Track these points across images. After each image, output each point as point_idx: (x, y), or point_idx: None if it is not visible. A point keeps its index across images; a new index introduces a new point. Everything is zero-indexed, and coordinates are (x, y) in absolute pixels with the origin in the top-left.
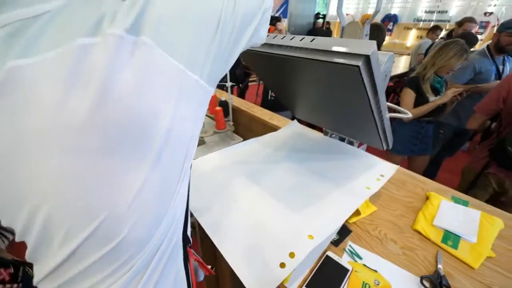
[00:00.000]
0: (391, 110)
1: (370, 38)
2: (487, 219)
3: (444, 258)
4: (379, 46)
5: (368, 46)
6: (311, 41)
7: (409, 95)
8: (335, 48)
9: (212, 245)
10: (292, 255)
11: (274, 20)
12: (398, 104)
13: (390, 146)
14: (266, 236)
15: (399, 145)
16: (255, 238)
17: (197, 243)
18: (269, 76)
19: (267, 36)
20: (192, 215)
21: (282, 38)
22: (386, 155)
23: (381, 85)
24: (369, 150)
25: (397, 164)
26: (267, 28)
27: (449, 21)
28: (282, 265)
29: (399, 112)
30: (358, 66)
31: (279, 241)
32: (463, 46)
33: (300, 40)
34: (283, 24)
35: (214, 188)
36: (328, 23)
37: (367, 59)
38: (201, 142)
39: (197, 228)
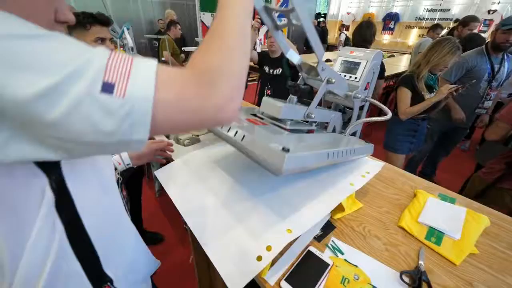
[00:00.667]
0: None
1: (361, 37)
2: (473, 216)
3: (427, 255)
4: (370, 42)
5: (281, 159)
6: (241, 140)
7: (405, 94)
8: (257, 154)
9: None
10: (269, 248)
11: None
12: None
13: (371, 152)
14: (245, 231)
15: (397, 144)
16: (234, 233)
17: (190, 240)
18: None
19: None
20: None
21: (226, 132)
22: (385, 156)
23: (319, 161)
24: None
25: (398, 164)
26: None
27: (451, 19)
28: (259, 258)
29: (383, 112)
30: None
31: (257, 235)
32: (455, 43)
33: (234, 136)
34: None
35: (196, 185)
36: (324, 22)
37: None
38: (196, 140)
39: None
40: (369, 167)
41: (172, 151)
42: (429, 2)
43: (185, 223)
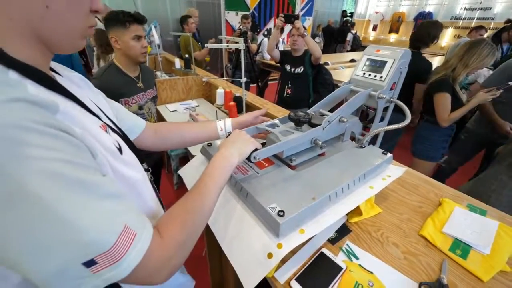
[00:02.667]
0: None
1: (429, 36)
2: (506, 230)
3: (450, 268)
4: (425, 43)
5: (276, 225)
6: (245, 197)
7: (447, 99)
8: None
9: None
10: (279, 246)
11: (292, 18)
12: (431, 108)
13: (390, 162)
14: (258, 227)
15: (432, 152)
16: (248, 229)
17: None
18: None
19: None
20: None
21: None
22: (408, 160)
23: (321, 207)
24: (396, 158)
25: (428, 172)
26: None
27: (493, 19)
28: (270, 255)
29: (404, 114)
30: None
31: (269, 233)
32: (493, 44)
33: (240, 191)
34: (300, 22)
35: None
36: (348, 21)
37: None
38: None
39: None
40: (390, 170)
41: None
42: (467, 0)
43: None
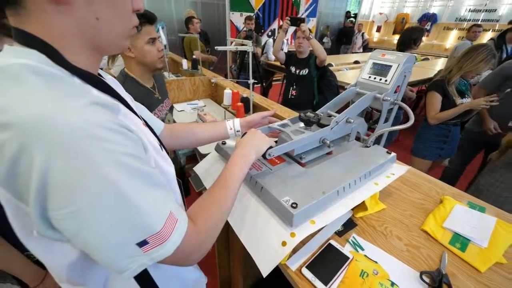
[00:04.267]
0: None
1: (412, 42)
2: (504, 226)
3: (450, 259)
4: (407, 46)
5: (290, 217)
6: (260, 191)
7: (435, 98)
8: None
9: (225, 228)
10: (293, 235)
11: (298, 21)
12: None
13: (394, 162)
14: (272, 218)
15: (426, 150)
16: (263, 221)
17: None
18: None
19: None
20: None
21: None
22: (410, 160)
23: (330, 202)
24: (398, 158)
25: (423, 169)
26: None
27: (498, 21)
28: (284, 243)
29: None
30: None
31: (282, 223)
32: (492, 50)
33: (255, 185)
34: (306, 25)
35: None
36: (352, 22)
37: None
38: None
39: None
40: (394, 169)
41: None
42: (472, 2)
43: None
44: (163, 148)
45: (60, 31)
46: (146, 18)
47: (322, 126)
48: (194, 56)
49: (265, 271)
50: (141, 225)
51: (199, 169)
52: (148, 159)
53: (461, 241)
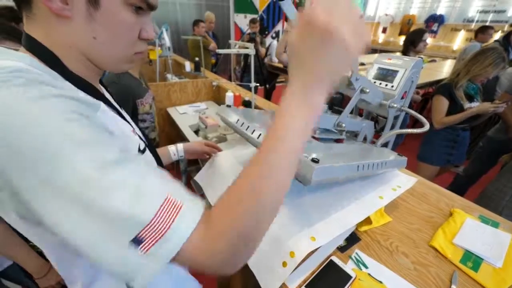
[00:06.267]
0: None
1: (410, 44)
2: None
3: (461, 280)
4: (407, 48)
5: (310, 169)
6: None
7: (441, 102)
8: None
9: None
10: (292, 254)
11: None
12: None
13: (404, 166)
14: (271, 236)
15: (433, 155)
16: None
17: None
18: None
19: (238, 121)
20: None
21: (251, 133)
22: (415, 165)
23: (348, 173)
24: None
25: (430, 176)
26: None
27: (507, 22)
28: (284, 264)
29: (420, 125)
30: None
31: (282, 241)
32: (501, 54)
33: (257, 138)
34: None
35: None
36: None
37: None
38: (223, 139)
39: None
40: (401, 181)
41: (220, 150)
42: (480, 3)
43: None
44: (153, 155)
45: (59, 40)
46: None
47: (338, 112)
48: (196, 59)
49: None
50: (120, 216)
51: (200, 177)
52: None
53: (473, 259)
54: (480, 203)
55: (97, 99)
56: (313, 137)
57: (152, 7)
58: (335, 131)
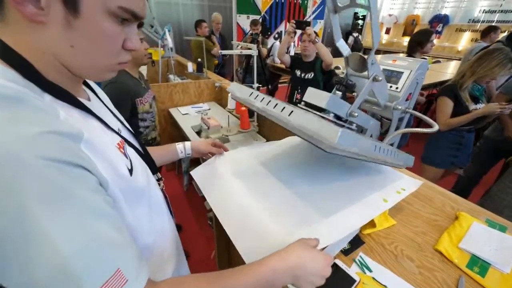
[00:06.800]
0: (421, 124)
1: (418, 45)
2: None
3: (468, 285)
4: (413, 49)
5: (335, 133)
6: (288, 115)
7: (446, 103)
8: (305, 129)
9: (226, 239)
10: None
11: (304, 25)
12: None
13: (411, 165)
14: (271, 238)
15: (438, 157)
16: (263, 238)
17: (214, 236)
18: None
19: (252, 94)
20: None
21: (266, 104)
22: (419, 167)
23: (368, 149)
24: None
25: (434, 178)
26: None
27: None
28: None
29: (428, 126)
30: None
31: (285, 241)
32: (508, 54)
33: (281, 111)
34: (312, 29)
35: (227, 183)
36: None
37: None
38: (226, 140)
39: (214, 222)
40: (405, 183)
41: (227, 150)
42: (486, 3)
43: (210, 219)
44: (144, 161)
45: (32, 47)
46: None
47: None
48: (199, 60)
49: None
50: (66, 281)
51: (196, 174)
52: (111, 193)
53: (480, 264)
54: (483, 204)
55: (78, 107)
56: (327, 119)
57: (138, 18)
58: (345, 120)
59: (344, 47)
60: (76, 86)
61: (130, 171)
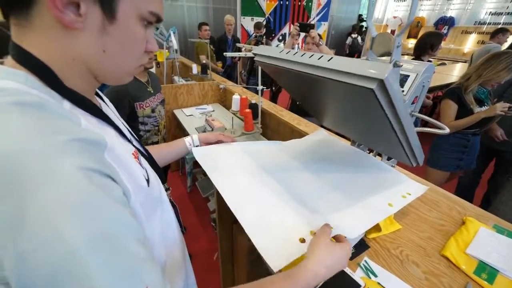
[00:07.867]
0: (428, 125)
1: (429, 47)
2: None
3: None
4: (422, 51)
5: (384, 69)
6: (328, 61)
7: (449, 106)
8: (349, 70)
9: (229, 225)
10: (312, 233)
11: (307, 27)
12: None
13: (421, 163)
14: (273, 213)
15: (443, 161)
16: (275, 216)
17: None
18: (292, 87)
19: (282, 51)
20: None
21: (301, 56)
22: (424, 170)
23: (401, 106)
24: (411, 168)
25: (440, 182)
26: None
27: None
28: (302, 240)
29: (436, 127)
30: (372, 89)
31: (299, 226)
32: None
33: (318, 59)
34: (316, 31)
35: (231, 173)
36: (358, 26)
37: (381, 82)
38: None
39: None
40: (410, 187)
41: (234, 141)
42: (492, 5)
43: (213, 220)
44: (154, 171)
45: (61, 53)
46: None
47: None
48: (203, 61)
49: (276, 265)
50: None
51: (198, 151)
52: (133, 206)
53: (488, 271)
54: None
55: (96, 116)
56: None
57: (160, 21)
58: None
59: (373, 28)
60: (92, 92)
61: (148, 181)
